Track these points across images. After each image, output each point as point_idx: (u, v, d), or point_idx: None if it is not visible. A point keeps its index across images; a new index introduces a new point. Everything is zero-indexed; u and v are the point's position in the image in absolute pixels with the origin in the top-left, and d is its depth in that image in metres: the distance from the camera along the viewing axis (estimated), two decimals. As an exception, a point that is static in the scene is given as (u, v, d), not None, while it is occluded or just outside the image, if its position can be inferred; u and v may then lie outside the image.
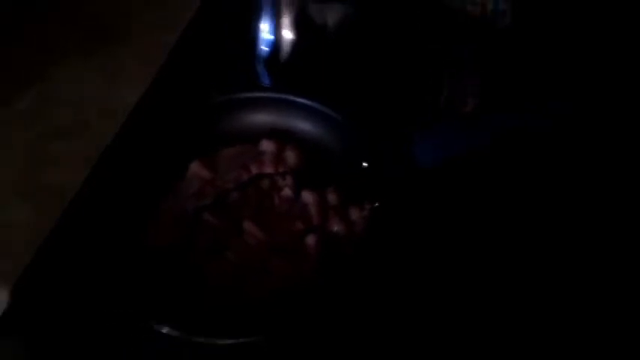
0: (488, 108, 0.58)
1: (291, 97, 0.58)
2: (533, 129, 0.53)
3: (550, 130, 0.55)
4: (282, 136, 0.58)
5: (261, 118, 0.60)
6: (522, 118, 0.53)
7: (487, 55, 0.62)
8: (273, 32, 0.62)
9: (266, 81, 0.65)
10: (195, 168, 0.56)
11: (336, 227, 0.51)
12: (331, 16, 0.62)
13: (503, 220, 0.52)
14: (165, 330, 0.43)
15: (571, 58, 0.63)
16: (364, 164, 0.53)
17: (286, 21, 0.62)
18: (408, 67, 0.61)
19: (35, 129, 0.62)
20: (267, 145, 0.57)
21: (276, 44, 0.63)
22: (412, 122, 0.57)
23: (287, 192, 0.54)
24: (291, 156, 0.57)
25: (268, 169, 0.56)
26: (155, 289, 0.48)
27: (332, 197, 0.53)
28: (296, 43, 0.63)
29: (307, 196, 0.53)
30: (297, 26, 0.62)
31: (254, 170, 0.56)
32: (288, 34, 0.62)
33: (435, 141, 0.51)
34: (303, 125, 0.59)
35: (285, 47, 0.64)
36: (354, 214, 0.51)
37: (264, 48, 0.64)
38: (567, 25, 0.64)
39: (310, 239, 0.50)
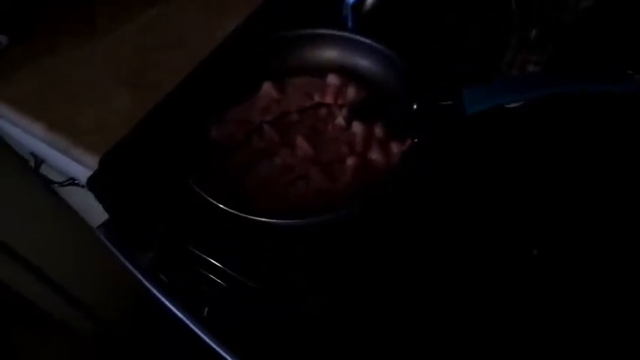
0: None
1: (361, 38, 0.63)
2: (593, 94, 0.53)
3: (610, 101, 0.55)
4: (347, 73, 0.64)
5: (331, 54, 0.65)
6: (584, 80, 0.53)
7: (562, 28, 0.62)
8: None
9: (350, 24, 0.70)
10: (267, 87, 0.64)
11: (375, 156, 0.56)
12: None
13: (530, 184, 0.54)
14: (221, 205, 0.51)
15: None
16: (414, 106, 0.57)
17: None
18: (477, 27, 0.64)
19: (147, 39, 0.74)
20: (332, 79, 0.63)
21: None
22: (467, 78, 0.59)
23: (340, 121, 0.60)
24: (351, 91, 0.62)
25: (329, 100, 0.62)
26: (212, 175, 0.56)
27: (378, 131, 0.58)
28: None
29: (357, 127, 0.59)
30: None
31: (316, 99, 0.63)
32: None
33: (483, 89, 0.53)
34: (367, 64, 0.63)
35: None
36: (395, 147, 0.56)
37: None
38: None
39: (350, 161, 0.55)
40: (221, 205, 0.50)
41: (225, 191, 0.53)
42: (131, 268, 0.59)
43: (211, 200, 0.51)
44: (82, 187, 0.67)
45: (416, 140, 0.54)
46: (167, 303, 0.56)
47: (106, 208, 0.61)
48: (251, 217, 0.48)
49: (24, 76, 0.72)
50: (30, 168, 0.91)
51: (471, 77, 0.60)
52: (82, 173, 0.67)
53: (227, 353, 0.51)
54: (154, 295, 0.58)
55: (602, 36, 0.62)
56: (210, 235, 0.54)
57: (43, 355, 1.38)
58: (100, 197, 0.60)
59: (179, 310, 0.55)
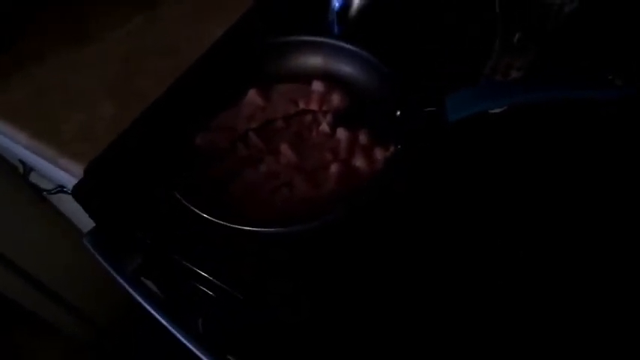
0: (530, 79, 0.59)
1: (346, 45, 0.63)
2: (575, 100, 0.53)
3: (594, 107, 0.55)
4: (332, 79, 0.64)
5: (316, 60, 0.65)
6: (565, 87, 0.53)
7: (545, 33, 0.63)
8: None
9: (335, 31, 0.71)
10: (252, 95, 0.64)
11: (359, 162, 0.56)
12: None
13: (517, 190, 0.55)
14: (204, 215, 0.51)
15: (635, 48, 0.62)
16: (398, 113, 0.57)
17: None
18: (460, 31, 0.64)
19: (135, 45, 0.74)
20: (317, 86, 0.64)
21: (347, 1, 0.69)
22: (452, 83, 0.60)
23: (325, 127, 0.60)
24: (336, 98, 0.62)
25: (313, 106, 0.62)
26: (197, 183, 0.56)
27: (363, 137, 0.58)
28: (365, 4, 0.68)
29: (341, 133, 0.59)
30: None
31: (301, 105, 0.63)
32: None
33: (465, 95, 0.53)
34: (352, 71, 0.64)
35: (355, 6, 0.69)
36: (379, 153, 0.56)
37: (336, 3, 0.70)
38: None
39: (333, 167, 0.56)
40: (205, 215, 0.51)
41: (209, 199, 0.54)
42: (117, 276, 0.59)
43: (195, 210, 0.51)
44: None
45: (399, 147, 0.54)
46: (152, 310, 0.56)
47: (92, 217, 0.61)
48: (235, 225, 0.49)
49: (11, 85, 0.72)
50: (20, 175, 0.91)
51: (456, 82, 0.61)
52: (70, 181, 0.67)
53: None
54: (139, 302, 0.58)
55: (586, 41, 0.62)
56: (194, 243, 0.54)
57: (41, 356, 1.39)
58: (86, 206, 0.61)
59: (165, 319, 0.56)
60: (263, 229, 0.49)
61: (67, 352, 1.38)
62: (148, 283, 0.75)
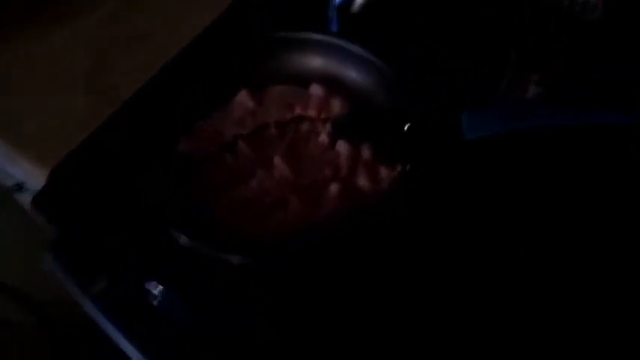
0: (550, 98, 0.54)
1: (349, 45, 0.57)
2: (593, 130, 0.49)
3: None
4: (332, 83, 0.57)
5: (316, 61, 0.59)
6: (586, 117, 0.49)
7: (566, 46, 0.57)
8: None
9: (334, 27, 0.64)
10: (242, 97, 0.57)
11: (361, 182, 0.50)
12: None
13: (531, 213, 0.49)
14: (180, 238, 0.45)
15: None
16: (407, 126, 0.52)
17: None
18: (476, 42, 0.58)
19: (107, 34, 0.66)
20: (315, 89, 0.57)
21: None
22: (467, 94, 0.54)
23: (323, 138, 0.54)
24: (336, 104, 0.56)
25: (311, 113, 0.56)
26: (175, 199, 0.49)
27: (366, 152, 0.52)
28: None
29: (342, 146, 0.53)
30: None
31: (297, 111, 0.56)
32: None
33: (485, 114, 0.48)
34: (355, 75, 0.57)
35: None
36: (384, 172, 0.50)
37: (337, -4, 0.63)
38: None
39: (333, 188, 0.49)
40: (183, 236, 0.44)
41: (190, 218, 0.47)
42: (82, 297, 0.52)
43: (173, 231, 0.45)
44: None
45: (407, 167, 0.48)
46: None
47: (56, 229, 0.54)
48: (221, 254, 0.43)
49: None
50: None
51: (472, 93, 0.55)
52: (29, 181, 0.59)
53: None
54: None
55: (611, 52, 0.57)
56: (171, 267, 0.48)
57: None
58: (49, 217, 0.53)
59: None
60: (253, 261, 0.43)
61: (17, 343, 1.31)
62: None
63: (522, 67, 0.55)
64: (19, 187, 0.72)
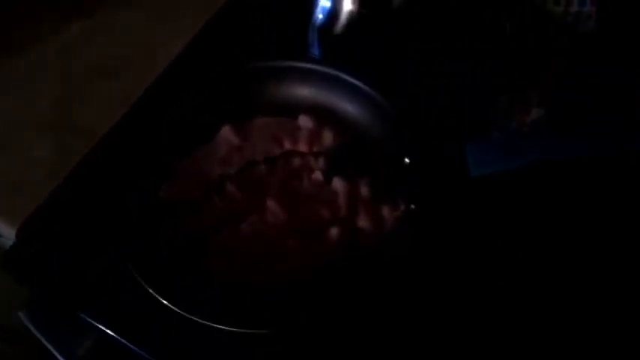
0: (554, 120, 0.51)
1: (340, 74, 0.54)
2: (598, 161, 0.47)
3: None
4: (323, 115, 0.54)
5: (304, 91, 0.55)
6: (591, 148, 0.47)
7: (562, 60, 0.55)
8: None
9: (316, 51, 0.60)
10: (226, 132, 0.53)
11: (362, 223, 0.47)
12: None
13: (541, 249, 0.47)
14: (163, 300, 0.41)
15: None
16: (406, 160, 0.49)
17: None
18: (470, 64, 0.55)
19: (76, 63, 0.60)
20: (304, 121, 0.53)
21: (333, 13, 0.58)
22: (467, 125, 0.51)
23: (318, 175, 0.50)
24: (328, 137, 0.52)
25: (302, 147, 0.52)
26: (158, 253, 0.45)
27: (364, 190, 0.49)
28: (355, 16, 0.58)
29: (338, 184, 0.49)
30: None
31: (287, 145, 0.53)
32: (348, 4, 0.57)
33: (489, 148, 0.45)
34: (348, 106, 0.54)
35: (343, 18, 0.59)
36: (386, 212, 0.47)
37: (319, 16, 0.59)
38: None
39: (333, 231, 0.46)
40: (165, 302, 0.40)
41: (176, 277, 0.43)
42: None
43: (153, 294, 0.40)
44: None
45: (412, 206, 0.45)
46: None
47: (29, 289, 0.49)
48: (215, 325, 0.39)
49: None
50: None
51: (473, 119, 0.52)
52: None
53: None
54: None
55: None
56: (156, 333, 0.43)
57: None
58: (20, 278, 0.48)
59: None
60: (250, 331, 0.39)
61: None
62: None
63: (522, 90, 0.53)
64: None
